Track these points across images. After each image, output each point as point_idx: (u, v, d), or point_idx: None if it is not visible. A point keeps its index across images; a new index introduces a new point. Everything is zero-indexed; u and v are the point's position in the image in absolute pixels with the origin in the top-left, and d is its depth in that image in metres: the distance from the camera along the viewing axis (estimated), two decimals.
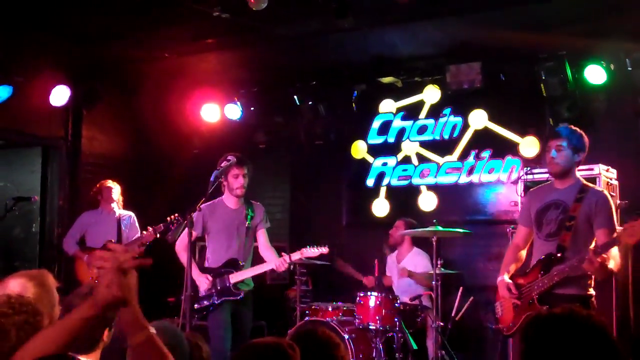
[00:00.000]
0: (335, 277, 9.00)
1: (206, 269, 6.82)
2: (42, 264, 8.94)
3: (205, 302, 6.66)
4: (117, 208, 8.51)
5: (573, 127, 5.40)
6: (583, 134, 5.37)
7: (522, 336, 2.48)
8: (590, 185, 5.36)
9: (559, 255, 5.14)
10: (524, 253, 5.58)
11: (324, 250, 6.99)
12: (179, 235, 6.37)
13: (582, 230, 5.13)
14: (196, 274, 6.53)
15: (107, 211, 8.43)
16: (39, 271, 3.47)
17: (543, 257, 5.22)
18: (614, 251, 4.93)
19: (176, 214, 7.33)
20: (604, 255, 4.76)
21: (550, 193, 5.39)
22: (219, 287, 6.71)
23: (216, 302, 6.67)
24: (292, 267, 8.54)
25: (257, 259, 7.07)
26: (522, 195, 7.37)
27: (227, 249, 6.81)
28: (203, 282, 6.66)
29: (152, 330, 2.62)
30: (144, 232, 7.94)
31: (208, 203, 6.62)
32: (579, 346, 2.35)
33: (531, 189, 5.98)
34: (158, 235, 7.80)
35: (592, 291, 5.18)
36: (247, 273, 6.79)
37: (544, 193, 5.48)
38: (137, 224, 8.55)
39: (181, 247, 6.82)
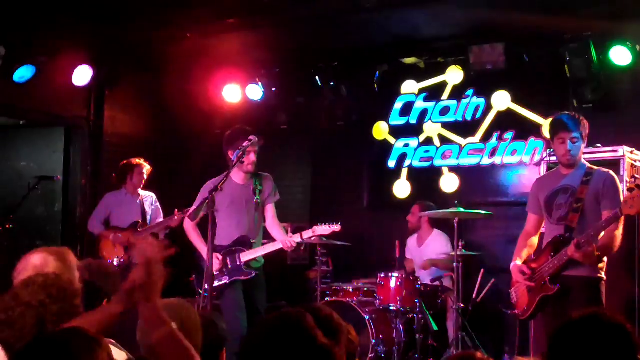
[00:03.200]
0: (356, 257, 9.00)
1: (216, 247, 6.49)
2: (64, 243, 8.96)
3: (216, 282, 6.50)
4: (140, 189, 8.51)
5: (576, 116, 5.44)
6: (583, 118, 5.42)
7: (549, 347, 2.50)
8: (595, 167, 5.42)
9: (567, 235, 5.20)
10: (535, 240, 5.65)
11: (336, 227, 6.89)
12: (199, 214, 6.24)
13: (590, 211, 5.20)
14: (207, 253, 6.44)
15: (130, 192, 8.42)
16: (61, 248, 3.49)
17: (552, 239, 5.30)
18: (619, 232, 5.07)
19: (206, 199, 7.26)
20: (589, 248, 4.91)
21: (558, 179, 5.47)
22: (229, 266, 6.61)
23: (227, 281, 6.59)
24: (307, 245, 8.53)
25: (267, 236, 6.99)
26: None
27: (237, 225, 6.69)
28: (214, 261, 6.35)
29: (174, 325, 2.62)
30: (174, 217, 7.91)
31: (214, 179, 6.48)
32: (603, 352, 2.39)
33: (537, 177, 6.07)
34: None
35: (603, 274, 5.24)
36: (258, 252, 6.71)
37: (551, 179, 5.59)
38: (158, 204, 8.57)
39: (190, 225, 6.76)
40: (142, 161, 8.46)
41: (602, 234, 5.07)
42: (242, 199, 6.70)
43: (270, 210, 6.86)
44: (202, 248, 6.60)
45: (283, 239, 6.73)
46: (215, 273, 6.45)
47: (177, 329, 2.62)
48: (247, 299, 6.59)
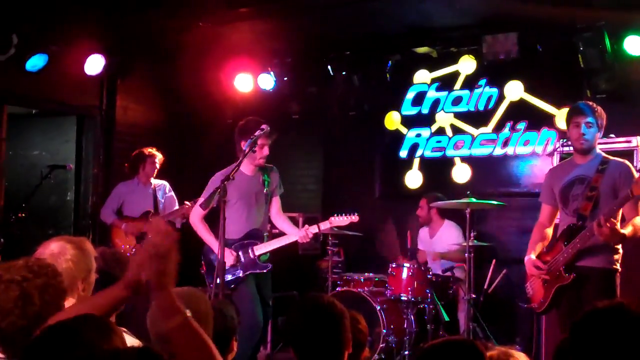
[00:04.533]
0: (367, 248, 9.00)
1: (227, 241, 6.25)
2: (76, 232, 9.02)
3: (230, 276, 6.42)
4: (152, 178, 8.52)
5: (594, 105, 5.42)
6: (601, 108, 5.40)
7: (571, 334, 2.47)
8: (611, 157, 5.38)
9: (579, 223, 5.18)
10: (549, 231, 5.61)
11: (354, 218, 6.77)
12: (211, 203, 6.17)
13: (604, 200, 5.16)
14: (217, 247, 6.15)
15: (142, 181, 8.44)
16: (80, 237, 3.51)
17: (564, 228, 5.28)
18: (638, 220, 5.01)
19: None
20: (613, 220, 4.81)
21: (572, 169, 5.43)
22: (243, 260, 6.54)
23: (241, 275, 6.51)
24: (321, 237, 8.54)
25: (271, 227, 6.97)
26: None
27: (247, 218, 6.61)
28: (227, 255, 6.26)
29: (188, 313, 2.60)
30: (186, 205, 7.93)
31: (223, 171, 6.44)
32: (628, 342, 2.34)
33: (551, 168, 6.02)
34: None
35: (618, 266, 5.21)
36: (272, 244, 6.64)
37: (565, 169, 5.53)
38: (172, 193, 8.59)
39: (197, 218, 6.67)
40: (154, 151, 8.48)
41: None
42: (252, 191, 6.63)
43: (275, 203, 6.82)
44: (211, 241, 6.54)
45: (296, 231, 6.69)
46: (228, 267, 6.32)
47: (191, 317, 2.60)
48: (258, 291, 6.55)
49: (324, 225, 6.74)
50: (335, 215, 6.78)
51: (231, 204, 6.40)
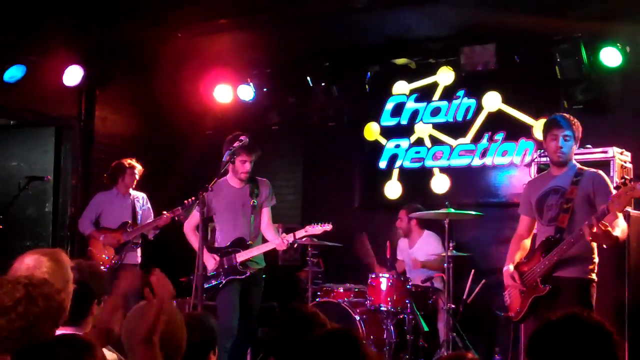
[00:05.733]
0: (347, 258, 9.00)
1: (215, 249, 6.90)
2: (55, 244, 8.99)
3: (213, 282, 6.77)
4: (131, 189, 8.50)
5: (571, 118, 5.47)
6: (576, 120, 5.47)
7: (527, 348, 2.50)
8: (585, 168, 5.44)
9: (557, 236, 5.22)
10: (528, 242, 5.67)
11: (328, 227, 7.00)
12: (189, 214, 6.44)
13: (580, 212, 5.20)
14: (204, 254, 6.55)
15: (121, 192, 8.41)
16: (54, 249, 3.49)
17: (543, 240, 5.32)
18: (621, 221, 5.03)
19: (192, 197, 7.28)
20: (606, 223, 4.80)
21: (548, 180, 5.51)
22: (225, 266, 6.79)
23: (223, 281, 6.76)
24: (300, 248, 8.58)
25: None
26: None
27: (234, 228, 6.88)
28: (210, 261, 6.74)
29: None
30: (163, 215, 7.96)
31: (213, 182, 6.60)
32: (581, 349, 2.38)
33: (529, 180, 6.11)
34: (176, 219, 7.82)
35: (593, 276, 5.26)
36: (253, 252, 6.84)
37: (541, 181, 5.61)
38: (149, 204, 8.57)
39: (189, 228, 6.95)
40: (134, 162, 8.46)
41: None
42: (239, 202, 6.89)
43: (265, 214, 7.05)
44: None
45: (275, 238, 6.91)
46: (213, 273, 6.77)
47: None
48: (242, 299, 6.79)
49: (300, 234, 6.97)
50: (311, 224, 7.02)
51: (219, 214, 6.92)
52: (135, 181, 8.44)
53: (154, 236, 8.32)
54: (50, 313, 2.77)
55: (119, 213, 8.34)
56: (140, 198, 8.52)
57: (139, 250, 8.37)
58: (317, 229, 6.98)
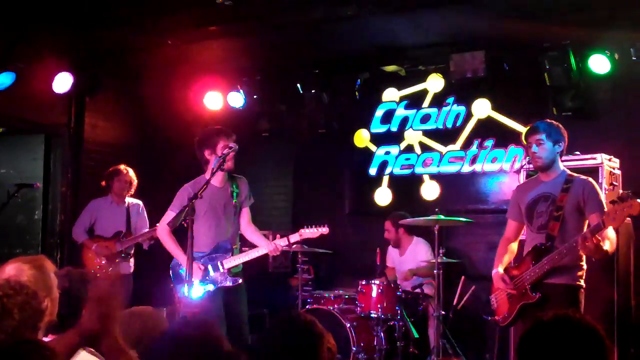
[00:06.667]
0: (337, 265, 9.01)
1: (195, 254, 6.00)
2: (44, 251, 8.92)
3: (199, 291, 6.20)
4: (127, 197, 8.39)
5: (549, 120, 5.48)
6: (560, 125, 5.44)
7: (517, 348, 2.50)
8: (575, 174, 5.42)
9: (548, 244, 5.21)
10: (515, 246, 5.67)
11: (324, 230, 6.60)
12: (179, 222, 5.97)
13: (570, 220, 5.21)
14: (185, 262, 5.72)
15: (116, 200, 8.33)
16: (36, 256, 3.47)
17: (533, 247, 5.31)
18: (610, 232, 5.00)
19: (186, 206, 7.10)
20: (598, 237, 4.82)
21: (538, 186, 5.48)
22: (212, 274, 6.31)
23: (211, 290, 6.29)
24: (291, 254, 8.51)
25: (243, 241, 6.71)
26: None
27: (216, 230, 6.38)
28: (195, 270, 6.03)
29: (134, 354, 2.63)
30: (157, 226, 7.80)
31: (191, 182, 6.37)
32: (572, 352, 2.38)
33: (518, 185, 6.09)
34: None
35: (582, 282, 5.26)
36: (242, 258, 6.40)
37: (531, 187, 5.57)
38: (145, 213, 8.47)
39: (165, 232, 6.42)
40: (123, 167, 8.34)
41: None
42: (220, 202, 6.42)
43: (245, 214, 6.60)
44: (179, 255, 6.31)
45: (266, 244, 6.50)
46: (201, 282, 6.22)
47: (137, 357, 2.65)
48: (228, 308, 6.29)
49: (294, 238, 6.55)
50: (305, 227, 6.64)
51: (199, 216, 6.17)
52: (127, 189, 8.32)
53: (149, 246, 8.21)
54: (26, 322, 2.77)
55: (112, 221, 8.23)
56: (135, 205, 8.41)
57: (131, 260, 8.24)
58: (313, 231, 6.58)
